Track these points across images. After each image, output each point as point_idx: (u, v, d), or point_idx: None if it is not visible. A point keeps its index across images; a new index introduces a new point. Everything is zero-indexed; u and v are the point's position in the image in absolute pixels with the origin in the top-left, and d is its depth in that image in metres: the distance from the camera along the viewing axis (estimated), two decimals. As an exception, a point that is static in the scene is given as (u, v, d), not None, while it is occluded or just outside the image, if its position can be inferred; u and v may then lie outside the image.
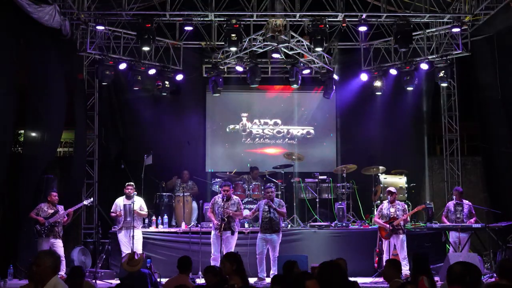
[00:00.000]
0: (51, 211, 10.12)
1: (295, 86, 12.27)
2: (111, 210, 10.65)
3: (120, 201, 10.50)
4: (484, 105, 12.94)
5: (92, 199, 10.95)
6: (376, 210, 10.91)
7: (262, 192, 11.70)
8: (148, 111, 12.94)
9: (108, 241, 11.24)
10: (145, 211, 10.60)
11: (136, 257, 7.93)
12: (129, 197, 10.42)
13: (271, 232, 9.99)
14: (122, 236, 10.40)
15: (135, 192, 10.47)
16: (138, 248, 10.08)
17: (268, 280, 9.85)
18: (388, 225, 10.17)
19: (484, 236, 10.85)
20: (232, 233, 9.94)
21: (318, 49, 11.48)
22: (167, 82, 12.30)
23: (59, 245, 10.04)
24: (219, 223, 9.79)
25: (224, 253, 9.62)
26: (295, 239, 11.10)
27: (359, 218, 11.91)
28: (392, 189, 10.51)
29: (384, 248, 10.25)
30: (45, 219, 10.00)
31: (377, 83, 12.46)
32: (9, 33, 9.59)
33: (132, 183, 10.64)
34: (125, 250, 10.20)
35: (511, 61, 11.43)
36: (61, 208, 10.23)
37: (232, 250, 9.95)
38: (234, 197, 10.27)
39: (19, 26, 9.75)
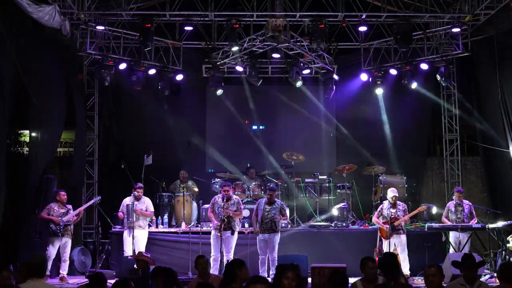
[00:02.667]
0: (62, 210, 10.13)
1: (296, 85, 12.27)
2: (119, 210, 10.67)
3: (126, 201, 10.51)
4: (484, 105, 12.95)
5: (100, 197, 10.94)
6: (376, 210, 10.90)
7: (262, 192, 11.74)
8: (148, 111, 12.94)
9: (108, 241, 11.26)
10: (150, 211, 10.59)
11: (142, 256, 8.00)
12: (137, 198, 10.41)
13: (270, 232, 9.96)
14: (125, 235, 10.41)
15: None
16: (140, 248, 10.06)
17: (269, 280, 9.85)
18: (387, 226, 10.17)
19: (484, 236, 10.84)
20: (232, 233, 9.91)
21: (318, 49, 11.48)
22: (166, 82, 12.29)
23: (69, 245, 10.11)
24: (219, 223, 9.78)
25: (224, 253, 9.68)
26: (295, 239, 11.08)
27: (359, 218, 11.92)
28: (394, 190, 10.49)
29: (384, 248, 10.23)
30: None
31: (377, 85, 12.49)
32: (9, 33, 9.57)
33: (142, 185, 10.61)
34: (127, 249, 10.23)
35: (511, 61, 11.44)
36: (69, 207, 10.26)
37: (232, 250, 9.97)
38: (234, 197, 10.24)
39: (19, 26, 9.73)
